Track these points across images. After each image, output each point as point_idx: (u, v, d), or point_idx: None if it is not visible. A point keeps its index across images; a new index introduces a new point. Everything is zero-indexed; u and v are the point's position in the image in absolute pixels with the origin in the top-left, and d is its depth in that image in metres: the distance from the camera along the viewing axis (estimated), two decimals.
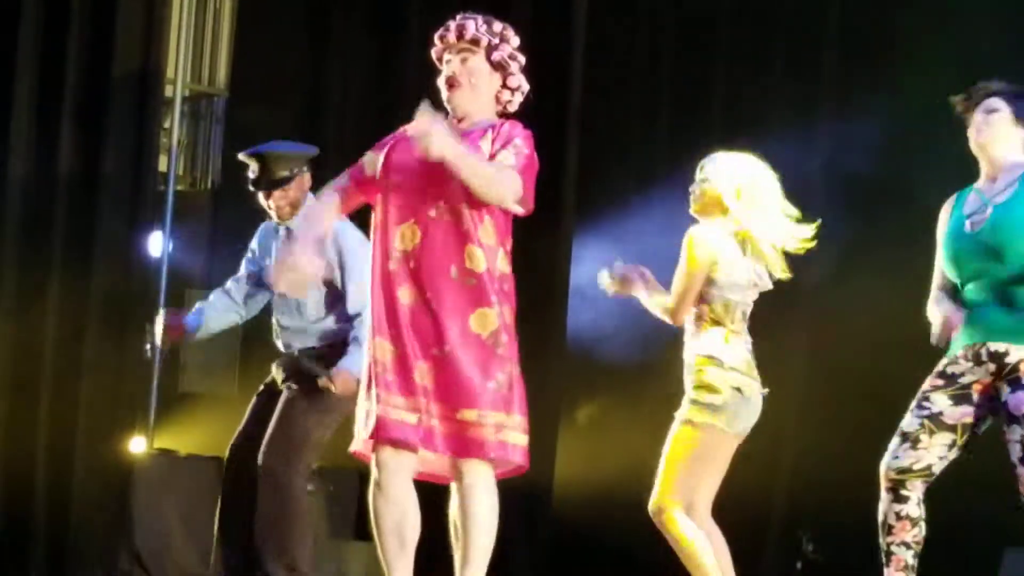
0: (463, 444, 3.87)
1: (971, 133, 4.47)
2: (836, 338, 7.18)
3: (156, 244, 7.63)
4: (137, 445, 7.06)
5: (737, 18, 8.06)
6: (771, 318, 7.74)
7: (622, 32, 8.35)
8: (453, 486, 3.96)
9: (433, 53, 4.06)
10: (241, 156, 5.53)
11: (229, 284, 5.66)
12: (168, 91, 7.78)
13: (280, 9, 8.27)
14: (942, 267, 4.52)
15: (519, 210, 4.00)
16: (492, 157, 3.94)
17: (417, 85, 6.18)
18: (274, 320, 5.62)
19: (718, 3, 8.10)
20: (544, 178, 4.25)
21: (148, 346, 6.66)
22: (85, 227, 6.74)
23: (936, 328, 4.32)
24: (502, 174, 3.88)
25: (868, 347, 6.79)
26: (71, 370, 6.65)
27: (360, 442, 3.95)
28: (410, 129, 3.85)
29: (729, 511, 6.50)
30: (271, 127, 6.58)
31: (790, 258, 5.07)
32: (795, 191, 5.16)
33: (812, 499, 7.34)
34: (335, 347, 5.35)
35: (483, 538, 3.92)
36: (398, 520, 3.93)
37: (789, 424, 7.35)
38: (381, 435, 3.86)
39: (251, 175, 5.40)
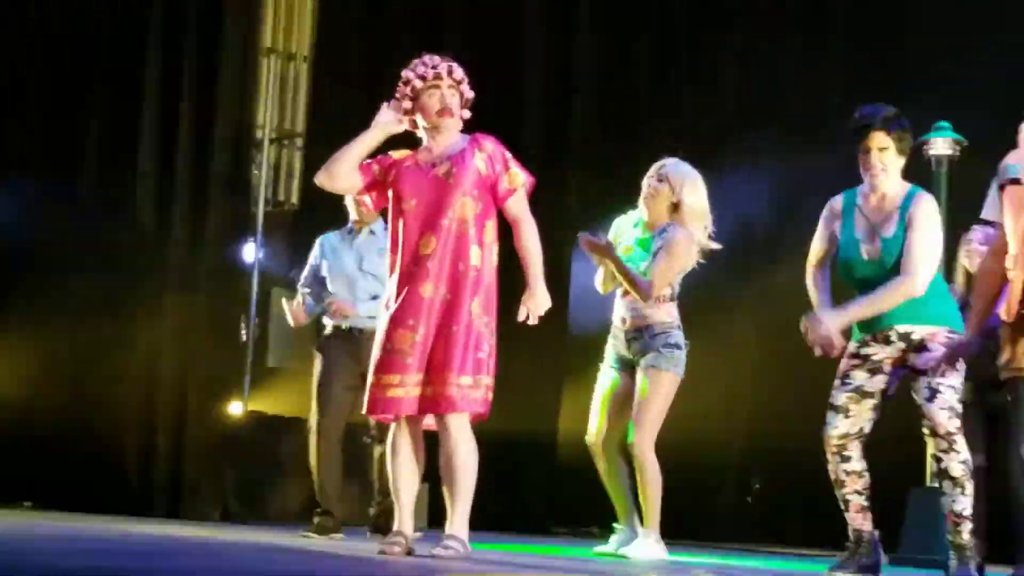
0: (454, 402, 4.01)
1: (864, 168, 4.45)
2: (784, 307, 7.06)
3: (249, 253, 8.07)
4: (236, 408, 7.54)
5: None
6: (728, 291, 7.64)
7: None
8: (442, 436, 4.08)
9: (418, 80, 4.15)
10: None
11: (309, 286, 5.72)
12: (259, 134, 8.28)
13: (346, 65, 8.45)
14: (822, 246, 4.57)
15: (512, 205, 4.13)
16: (498, 179, 4.11)
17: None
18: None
19: None
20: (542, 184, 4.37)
21: (243, 332, 7.17)
22: (196, 240, 7.23)
23: (814, 334, 4.36)
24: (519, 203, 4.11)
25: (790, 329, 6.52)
26: (187, 354, 7.10)
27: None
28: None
29: (693, 456, 6.55)
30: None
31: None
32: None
33: (762, 447, 7.51)
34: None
35: (470, 477, 4.09)
36: (399, 470, 4.14)
37: (745, 384, 7.64)
38: (372, 412, 4.07)
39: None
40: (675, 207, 5.12)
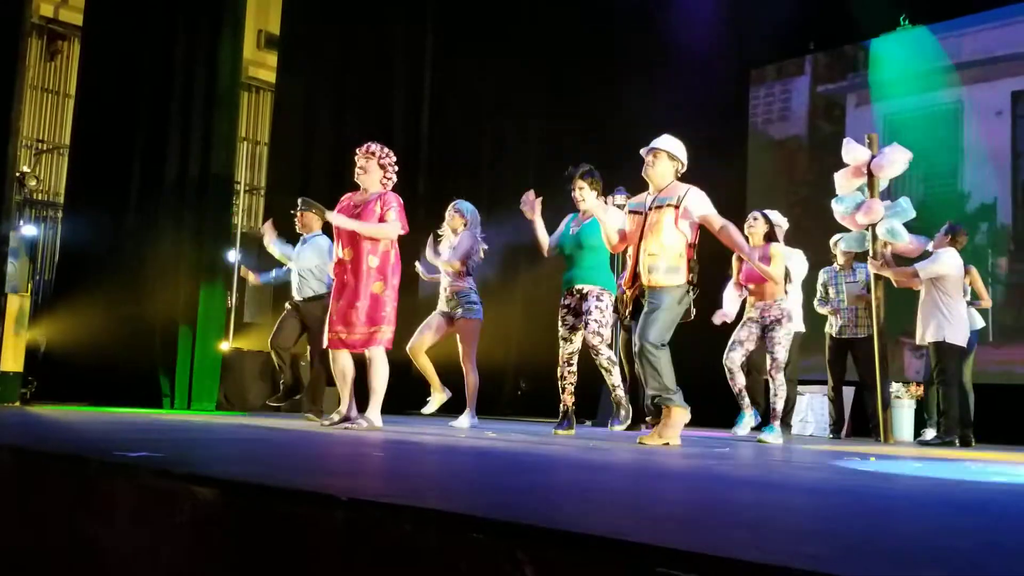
0: (370, 341, 4.94)
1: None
2: (540, 281, 8.57)
3: (232, 256, 9.53)
4: (224, 346, 8.95)
5: None
6: (506, 277, 9.16)
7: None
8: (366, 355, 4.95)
9: (357, 153, 5.08)
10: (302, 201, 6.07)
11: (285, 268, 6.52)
12: (237, 186, 9.40)
13: (292, 147, 9.61)
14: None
15: (401, 233, 5.02)
16: (383, 215, 4.95)
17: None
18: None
19: None
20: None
21: (229, 300, 8.67)
22: (202, 247, 8.30)
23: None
24: (389, 227, 4.95)
25: (548, 294, 7.45)
26: (197, 313, 8.19)
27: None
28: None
29: (487, 369, 7.19)
30: (290, 201, 7.04)
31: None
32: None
33: (527, 362, 8.97)
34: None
35: (383, 382, 4.97)
36: (342, 370, 5.08)
37: (518, 323, 9.24)
38: (328, 346, 5.04)
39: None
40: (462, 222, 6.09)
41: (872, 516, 1.96)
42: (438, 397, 6.24)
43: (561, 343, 5.70)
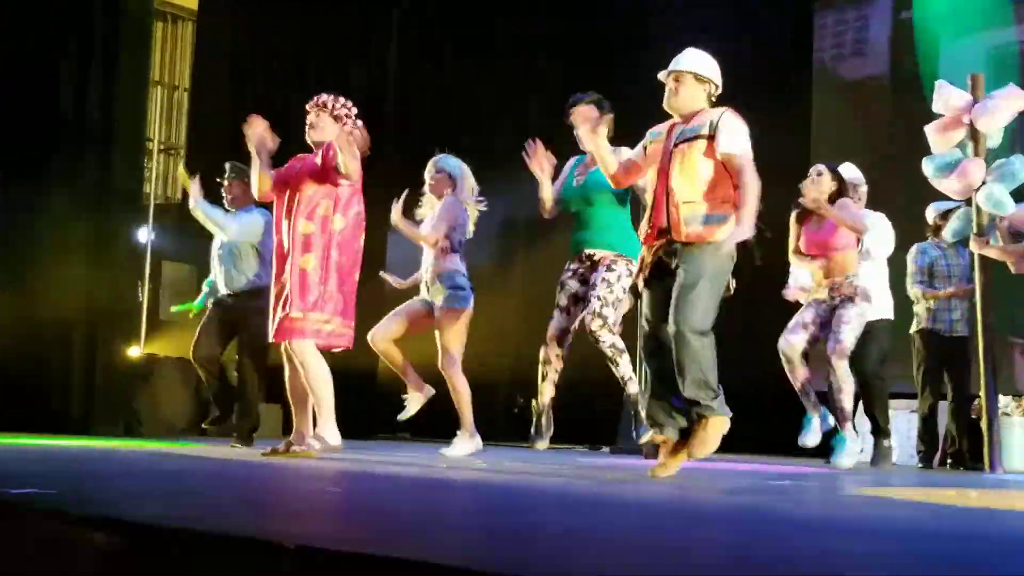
0: (287, 331, 5.15)
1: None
2: (544, 266, 8.47)
3: (144, 235, 9.66)
4: (135, 351, 9.29)
5: None
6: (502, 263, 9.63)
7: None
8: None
9: (307, 108, 5.34)
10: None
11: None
12: (149, 145, 9.65)
13: (219, 92, 9.89)
14: None
15: (349, 180, 5.18)
16: (328, 164, 5.17)
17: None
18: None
19: None
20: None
21: (139, 293, 8.90)
22: (103, 226, 8.35)
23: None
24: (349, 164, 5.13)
25: (548, 277, 6.80)
26: (97, 309, 8.24)
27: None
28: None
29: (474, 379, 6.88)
30: (214, 166, 7.42)
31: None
32: None
33: (527, 371, 7.20)
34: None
35: (320, 389, 5.20)
36: (292, 378, 5.35)
37: (514, 319, 9.61)
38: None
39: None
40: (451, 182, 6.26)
41: None
42: (416, 397, 6.32)
43: (555, 316, 5.80)
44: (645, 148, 4.99)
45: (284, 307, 5.18)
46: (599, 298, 5.57)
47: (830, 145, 9.61)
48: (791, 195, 6.80)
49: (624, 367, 5.63)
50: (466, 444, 6.19)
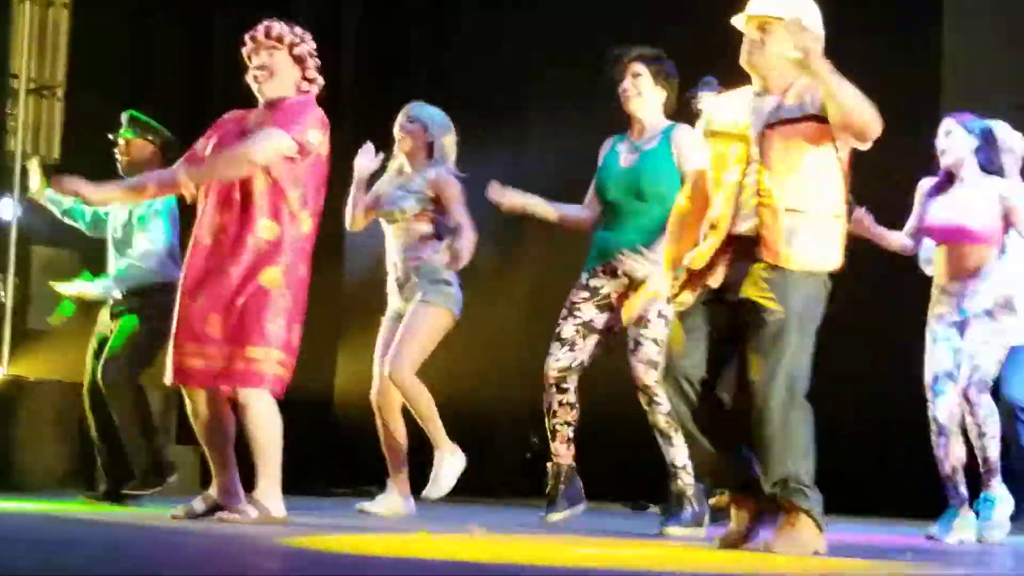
0: (240, 376, 5.02)
1: (623, 94, 5.66)
2: (554, 273, 8.50)
3: (7, 209, 9.42)
4: None
5: None
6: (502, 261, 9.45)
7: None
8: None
9: (244, 51, 5.07)
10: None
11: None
12: (15, 83, 9.52)
13: (108, 16, 9.80)
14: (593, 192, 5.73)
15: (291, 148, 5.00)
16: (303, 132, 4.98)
17: (223, 76, 8.03)
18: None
19: None
20: None
21: (1, 293, 8.46)
22: None
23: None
24: (274, 141, 5.00)
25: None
26: None
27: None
28: None
29: (468, 411, 7.77)
30: (103, 113, 7.64)
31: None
32: None
33: (539, 400, 8.71)
34: None
35: (270, 445, 5.10)
36: (204, 424, 5.21)
37: (519, 334, 9.48)
38: (175, 380, 5.11)
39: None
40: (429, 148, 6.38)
41: None
42: (388, 495, 6.41)
43: (553, 348, 5.66)
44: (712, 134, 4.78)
45: (222, 335, 4.97)
46: (655, 341, 5.34)
47: (968, 94, 9.01)
48: (913, 155, 6.79)
49: (678, 448, 5.41)
50: (450, 467, 6.17)
